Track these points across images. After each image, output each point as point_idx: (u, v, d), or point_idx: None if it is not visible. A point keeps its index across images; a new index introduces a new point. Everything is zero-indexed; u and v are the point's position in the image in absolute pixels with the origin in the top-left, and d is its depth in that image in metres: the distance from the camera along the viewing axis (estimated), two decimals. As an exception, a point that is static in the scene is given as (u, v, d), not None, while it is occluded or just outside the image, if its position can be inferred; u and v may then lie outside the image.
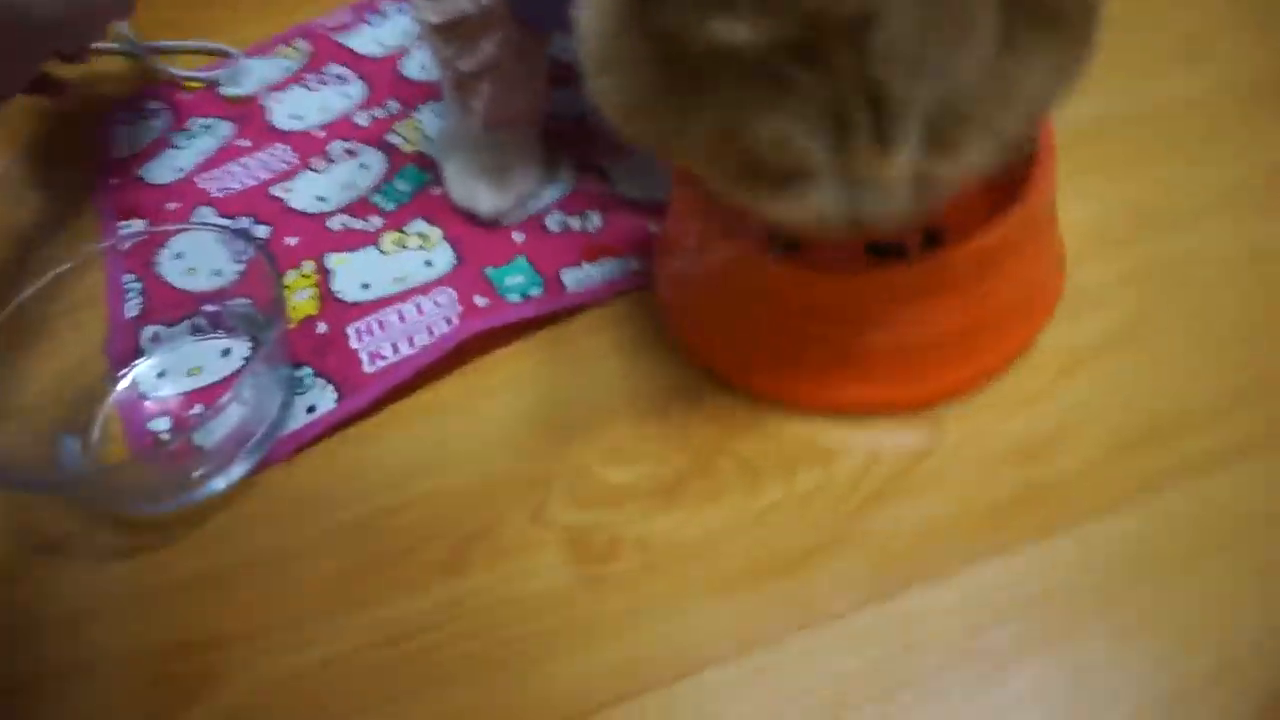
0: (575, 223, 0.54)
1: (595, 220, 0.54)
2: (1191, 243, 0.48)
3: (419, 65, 0.67)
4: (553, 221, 0.54)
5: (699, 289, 0.47)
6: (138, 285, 0.53)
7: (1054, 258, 0.47)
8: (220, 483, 0.46)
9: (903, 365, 0.43)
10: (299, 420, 0.48)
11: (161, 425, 0.49)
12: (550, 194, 0.55)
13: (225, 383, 0.50)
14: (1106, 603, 0.37)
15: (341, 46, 0.70)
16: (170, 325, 0.53)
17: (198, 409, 0.50)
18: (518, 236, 0.54)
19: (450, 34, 0.48)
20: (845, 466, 0.43)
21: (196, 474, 0.45)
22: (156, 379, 0.51)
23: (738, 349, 0.45)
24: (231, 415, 0.45)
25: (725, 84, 0.32)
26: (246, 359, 0.51)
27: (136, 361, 0.52)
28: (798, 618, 0.39)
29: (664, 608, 0.40)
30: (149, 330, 0.53)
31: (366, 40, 0.70)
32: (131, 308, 0.53)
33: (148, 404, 0.50)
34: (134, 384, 0.51)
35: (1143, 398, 0.43)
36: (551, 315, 0.50)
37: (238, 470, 0.46)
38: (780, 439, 0.44)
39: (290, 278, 0.54)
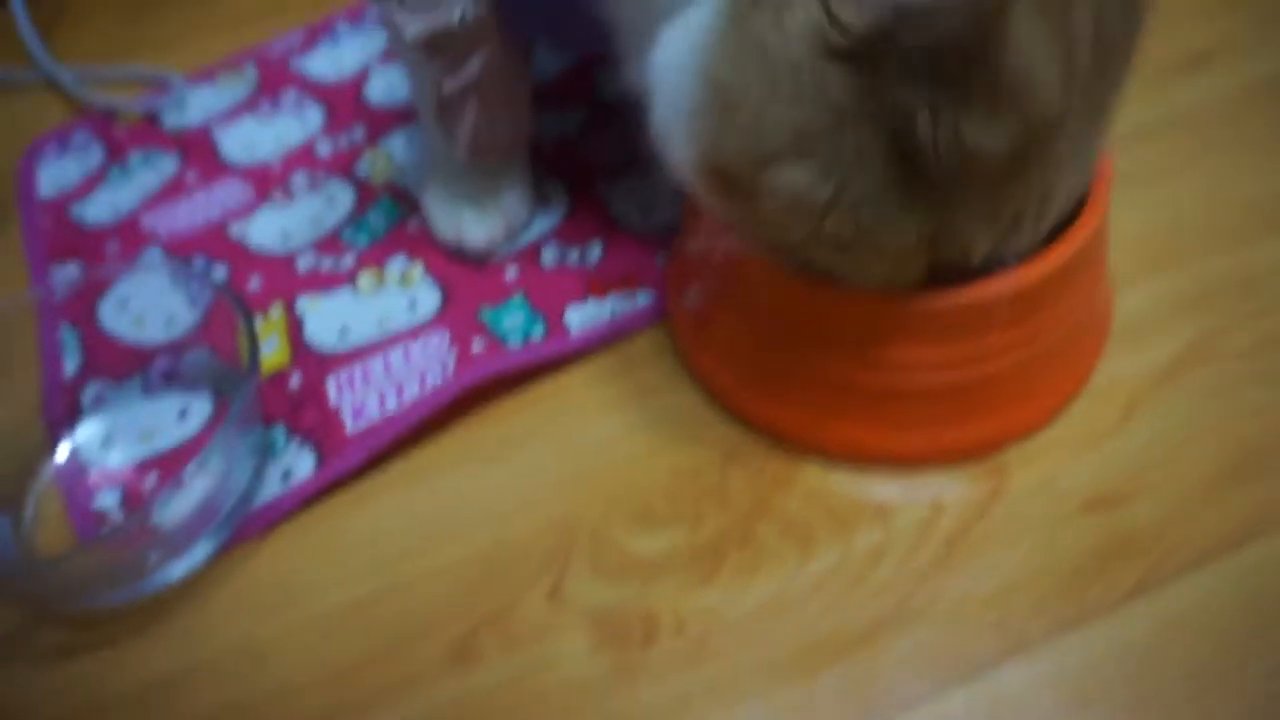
0: (574, 255, 0.49)
1: (596, 251, 0.49)
2: (1243, 258, 0.45)
3: (384, 89, 0.61)
4: (549, 254, 0.49)
5: (724, 325, 0.42)
6: (76, 338, 0.47)
7: (1106, 282, 0.43)
8: (180, 568, 0.40)
9: (954, 405, 0.39)
10: (272, 490, 0.42)
11: (109, 500, 0.43)
12: (542, 223, 0.50)
13: (184, 448, 0.44)
14: (1216, 673, 0.33)
15: (294, 71, 0.64)
16: (117, 383, 0.47)
17: (153, 479, 0.43)
18: (511, 272, 0.48)
19: (433, 49, 0.43)
20: (905, 523, 0.38)
21: (153, 559, 0.39)
22: (102, 446, 0.45)
23: (772, 394, 0.41)
24: (196, 489, 0.39)
25: (958, 185, 0.31)
26: (210, 420, 0.45)
27: (77, 426, 0.46)
28: (866, 706, 0.34)
29: (710, 699, 0.35)
30: (91, 389, 0.47)
31: (322, 63, 0.64)
32: (70, 365, 0.47)
33: (93, 476, 0.44)
34: (75, 453, 0.45)
35: (1226, 426, 0.39)
36: (557, 360, 0.45)
37: (201, 551, 0.40)
38: (828, 495, 0.39)
39: (255, 325, 0.48)
